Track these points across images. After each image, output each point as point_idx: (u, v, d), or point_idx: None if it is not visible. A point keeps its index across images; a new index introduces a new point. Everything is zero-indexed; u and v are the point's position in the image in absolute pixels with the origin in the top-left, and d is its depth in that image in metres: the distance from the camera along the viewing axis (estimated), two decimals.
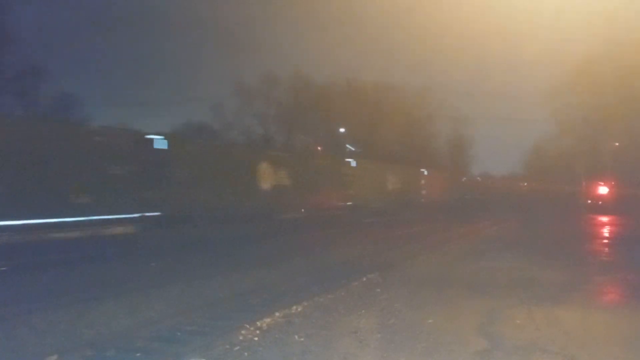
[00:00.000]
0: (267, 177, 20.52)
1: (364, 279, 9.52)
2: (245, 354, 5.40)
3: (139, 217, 15.36)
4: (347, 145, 44.69)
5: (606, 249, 16.17)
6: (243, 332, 6.13)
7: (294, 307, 7.30)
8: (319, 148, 44.34)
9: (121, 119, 37.44)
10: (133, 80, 72.63)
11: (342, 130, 45.41)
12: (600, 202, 38.62)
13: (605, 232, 22.32)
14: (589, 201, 40.22)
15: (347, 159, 29.89)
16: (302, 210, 24.18)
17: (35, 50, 32.35)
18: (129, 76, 70.20)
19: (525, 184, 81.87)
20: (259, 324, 6.46)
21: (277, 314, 6.95)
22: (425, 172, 42.07)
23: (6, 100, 30.25)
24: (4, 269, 10.83)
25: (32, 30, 56.76)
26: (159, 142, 16.06)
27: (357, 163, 29.63)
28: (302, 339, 5.87)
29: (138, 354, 5.67)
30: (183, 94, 75.29)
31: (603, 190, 40.05)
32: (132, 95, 77.57)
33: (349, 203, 28.00)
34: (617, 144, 42.59)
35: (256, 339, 5.90)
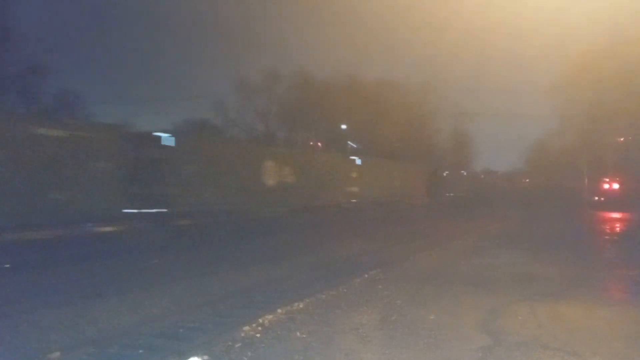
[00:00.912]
0: None
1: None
2: (246, 351, 5.40)
3: None
4: (349, 142, 44.64)
5: (608, 245, 16.14)
6: (245, 328, 6.13)
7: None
8: (319, 144, 44.33)
9: (123, 116, 37.50)
10: (135, 77, 72.78)
11: (343, 127, 45.38)
12: (602, 199, 38.56)
13: (607, 228, 22.26)
14: (593, 197, 40.11)
15: (157, 133, 17.77)
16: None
17: (37, 48, 32.33)
18: (131, 73, 70.35)
19: (527, 180, 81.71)
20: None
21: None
22: (359, 162, 30.11)
23: (8, 98, 30.32)
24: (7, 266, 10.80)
25: (34, 28, 56.79)
26: None
27: (178, 142, 17.82)
28: (304, 336, 5.88)
29: (141, 351, 5.68)
30: (185, 91, 75.40)
31: (606, 186, 39.96)
32: (135, 92, 77.66)
33: (162, 210, 17.04)
34: (620, 139, 42.46)
35: (258, 335, 5.91)
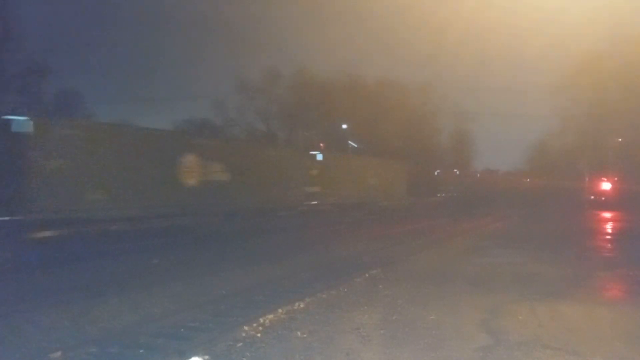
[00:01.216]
0: None
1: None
2: (247, 351, 5.41)
3: None
4: (350, 142, 44.62)
5: (609, 244, 16.14)
6: (246, 328, 6.14)
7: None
8: (321, 144, 44.35)
9: (124, 116, 37.54)
10: (136, 77, 72.79)
11: (344, 126, 45.38)
12: (603, 198, 38.56)
13: (608, 227, 22.28)
14: (592, 197, 40.17)
15: (7, 117, 13.80)
16: None
17: (38, 48, 32.48)
18: (131, 73, 70.38)
19: (528, 180, 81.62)
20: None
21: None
22: (320, 157, 25.85)
23: (9, 97, 30.34)
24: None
25: (34, 27, 56.77)
26: None
27: (39, 128, 13.33)
28: (304, 335, 5.88)
29: (141, 350, 5.68)
30: (186, 90, 75.36)
31: (606, 186, 39.99)
32: (135, 92, 77.71)
33: (15, 218, 12.77)
34: (620, 139, 42.46)
35: (259, 335, 5.91)
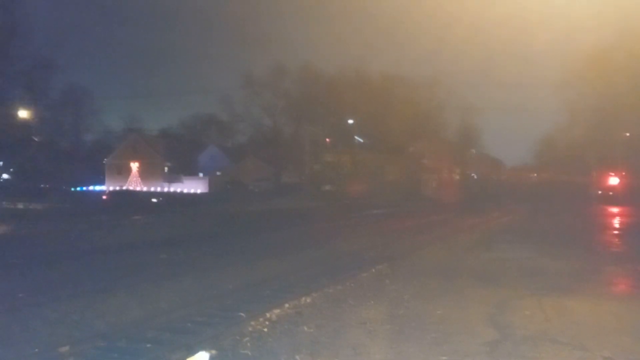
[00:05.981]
0: None
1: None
2: (254, 345, 5.42)
3: None
4: (356, 137, 44.57)
5: (616, 239, 16.07)
6: (252, 322, 6.16)
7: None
8: (327, 139, 44.33)
9: (130, 111, 37.62)
10: (143, 73, 73.00)
11: (350, 121, 45.32)
12: (610, 193, 38.35)
13: (615, 223, 22.15)
14: (600, 192, 39.92)
15: None
16: None
17: (45, 44, 32.55)
18: (138, 68, 70.57)
19: (535, 174, 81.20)
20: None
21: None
22: None
23: (17, 92, 30.50)
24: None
25: (42, 23, 56.97)
26: None
27: None
28: (311, 330, 5.90)
29: (149, 345, 5.71)
30: (192, 86, 75.47)
31: (614, 180, 39.76)
32: (142, 87, 77.96)
33: None
34: (628, 134, 42.16)
35: (265, 329, 5.93)
